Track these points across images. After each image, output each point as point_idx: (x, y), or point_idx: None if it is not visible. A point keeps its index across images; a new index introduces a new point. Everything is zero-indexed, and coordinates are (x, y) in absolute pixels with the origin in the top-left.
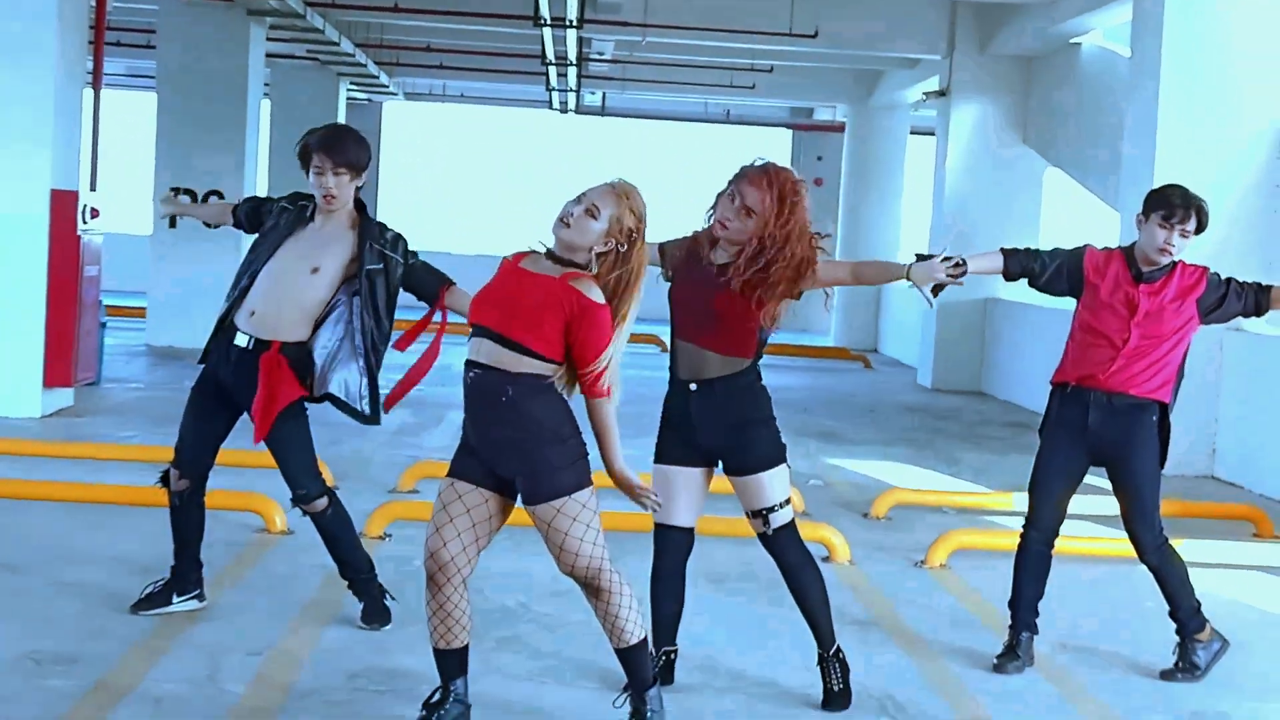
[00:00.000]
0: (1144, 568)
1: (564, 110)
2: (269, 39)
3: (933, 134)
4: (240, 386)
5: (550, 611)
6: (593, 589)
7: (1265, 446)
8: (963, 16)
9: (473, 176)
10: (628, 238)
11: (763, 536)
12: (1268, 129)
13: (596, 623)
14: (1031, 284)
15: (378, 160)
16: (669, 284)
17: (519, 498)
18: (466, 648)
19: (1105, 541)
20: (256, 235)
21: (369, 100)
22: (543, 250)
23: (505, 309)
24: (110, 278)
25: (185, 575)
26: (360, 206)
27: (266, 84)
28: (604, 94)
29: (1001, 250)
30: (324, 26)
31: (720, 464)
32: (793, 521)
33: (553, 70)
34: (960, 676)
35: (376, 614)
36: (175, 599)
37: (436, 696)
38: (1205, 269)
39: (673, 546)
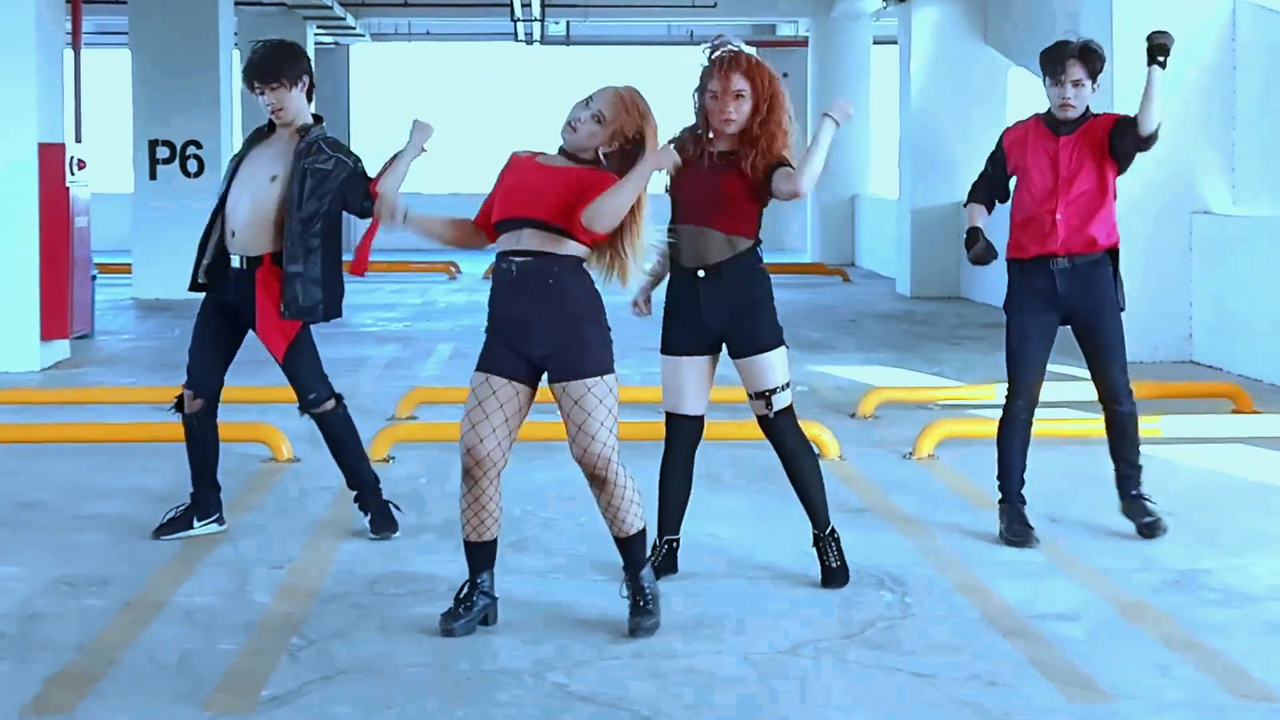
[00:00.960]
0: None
1: (529, 41)
2: None
3: (895, 43)
4: (245, 305)
5: (555, 516)
6: (599, 480)
7: (1240, 327)
8: None
9: (443, 115)
10: (634, 140)
11: (763, 420)
12: (1220, 9)
13: (599, 524)
14: (1002, 200)
15: (347, 103)
16: (669, 180)
17: (547, 378)
18: (495, 541)
19: (1078, 423)
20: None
21: (336, 44)
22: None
23: (536, 198)
24: (95, 236)
25: (205, 499)
26: (317, 120)
27: (235, 32)
28: (568, 22)
29: (975, 204)
30: None
31: (725, 348)
32: (792, 405)
33: (516, 1)
34: (954, 550)
35: (385, 522)
36: (196, 523)
37: (465, 590)
38: (1118, 115)
39: (683, 435)
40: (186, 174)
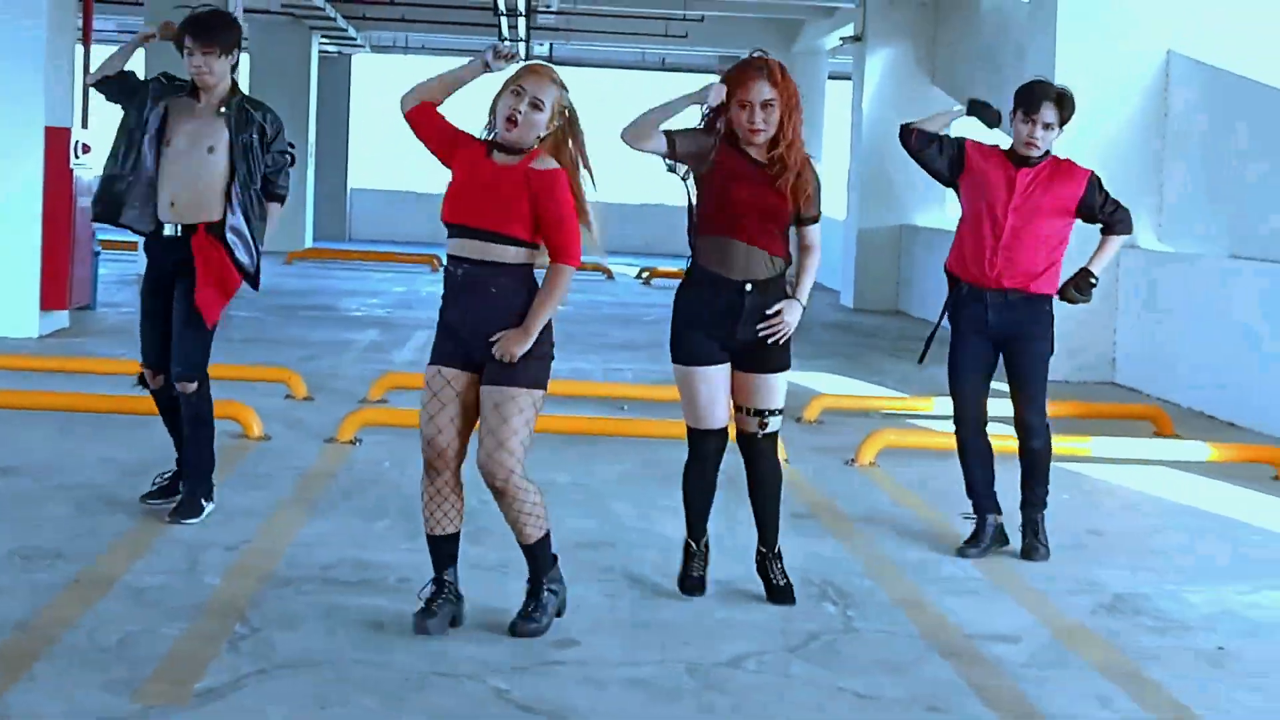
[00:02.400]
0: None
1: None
2: None
3: (849, 78)
4: (182, 272)
5: None
6: (498, 490)
7: (1160, 355)
8: None
9: None
10: (565, 114)
11: (750, 439)
12: (1155, 60)
13: (555, 517)
14: (915, 153)
15: (347, 108)
16: (704, 178)
17: (481, 378)
18: (458, 534)
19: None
20: (129, 110)
21: (339, 53)
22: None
23: (482, 203)
24: None
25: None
26: (234, 88)
27: (246, 38)
28: (551, 45)
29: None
30: None
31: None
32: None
33: (504, 21)
34: (896, 560)
35: (191, 509)
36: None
37: (430, 591)
38: (1089, 172)
39: (711, 450)
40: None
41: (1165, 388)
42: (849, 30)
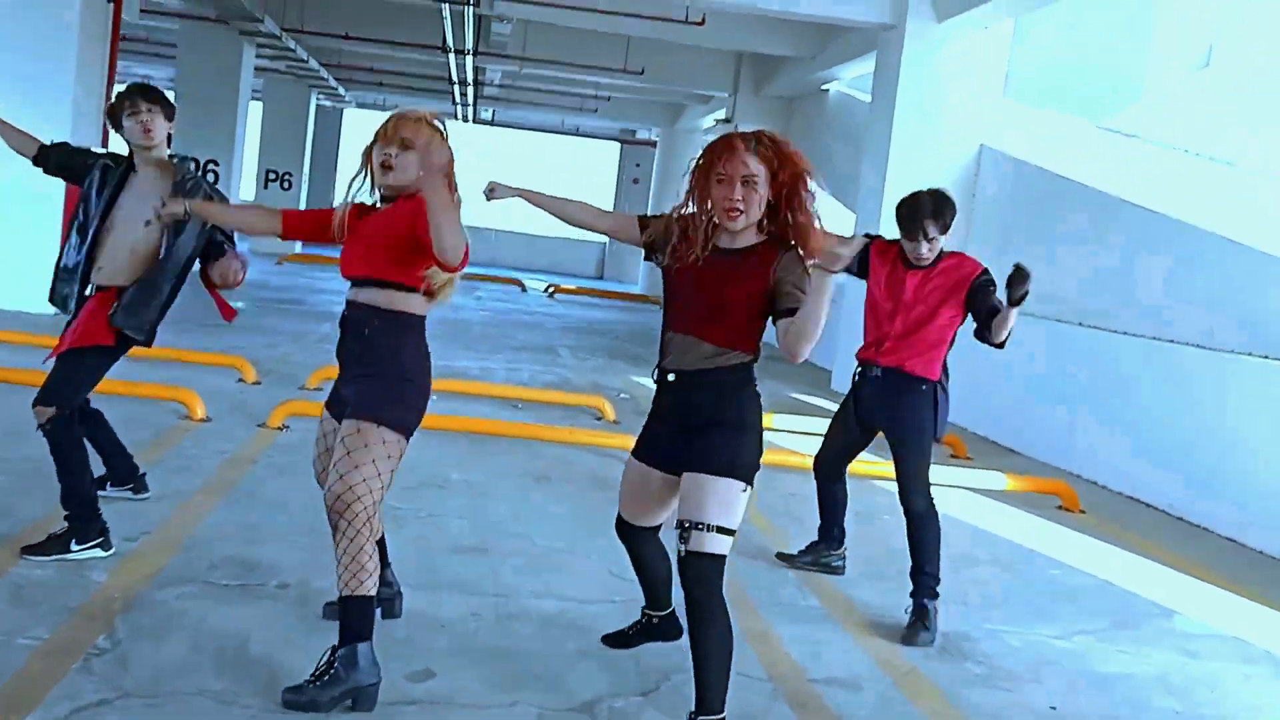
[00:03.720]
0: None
1: (465, 120)
2: (258, 55)
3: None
4: None
5: (434, 508)
6: (339, 524)
7: (957, 392)
8: (746, 65)
9: None
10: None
11: (680, 559)
12: (968, 152)
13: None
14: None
15: (336, 153)
16: (665, 269)
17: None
18: (383, 539)
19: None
20: (82, 187)
21: (332, 106)
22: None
23: (363, 252)
24: None
25: (83, 517)
26: (185, 157)
27: (259, 91)
28: (494, 110)
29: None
30: (296, 48)
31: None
32: (722, 558)
33: (456, 89)
34: (740, 579)
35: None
36: (74, 546)
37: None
38: (980, 270)
39: (626, 538)
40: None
41: (966, 420)
42: (722, 113)
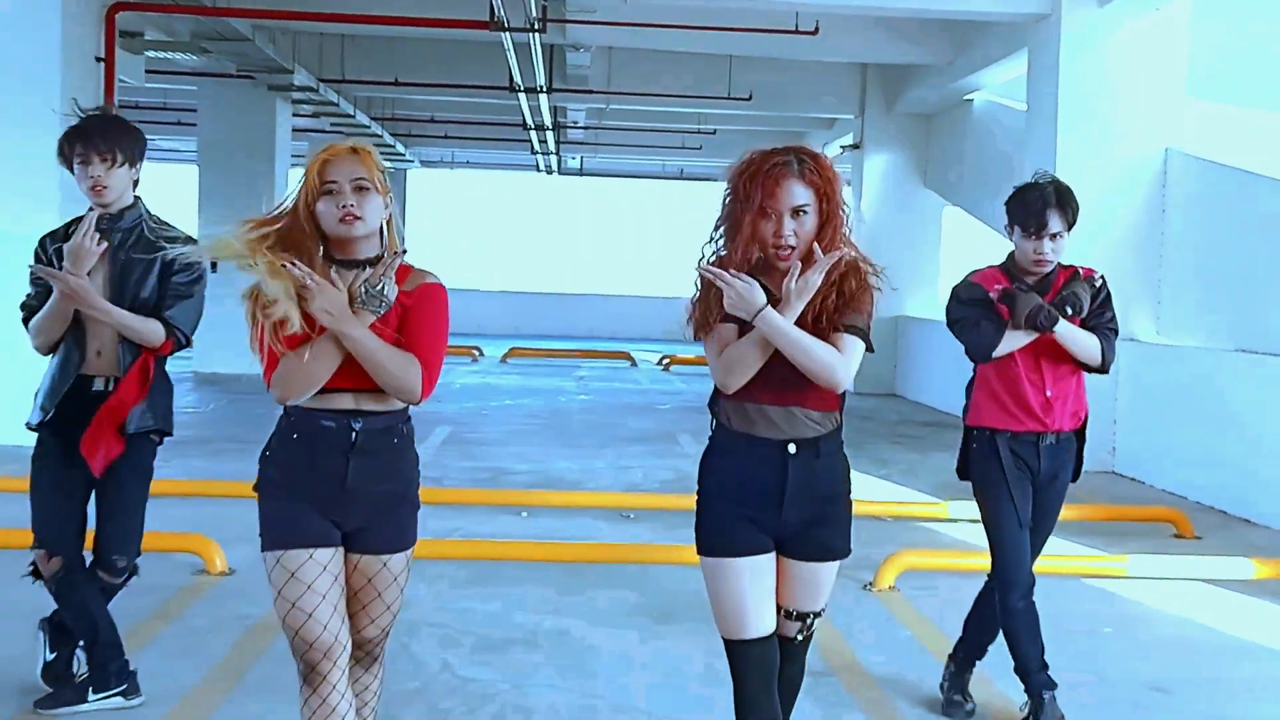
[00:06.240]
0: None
1: (549, 171)
2: (296, 114)
3: (849, 183)
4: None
5: (477, 674)
6: (374, 658)
7: (1158, 445)
8: (872, 79)
9: (485, 229)
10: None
11: (785, 642)
12: (1153, 158)
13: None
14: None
15: (403, 215)
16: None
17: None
18: None
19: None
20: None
21: (394, 169)
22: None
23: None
24: None
25: (104, 666)
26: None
27: (301, 155)
28: (581, 157)
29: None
30: (339, 100)
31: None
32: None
33: (534, 136)
34: None
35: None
36: (91, 696)
37: None
38: (1092, 274)
39: (756, 665)
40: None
41: (1164, 479)
42: (849, 139)
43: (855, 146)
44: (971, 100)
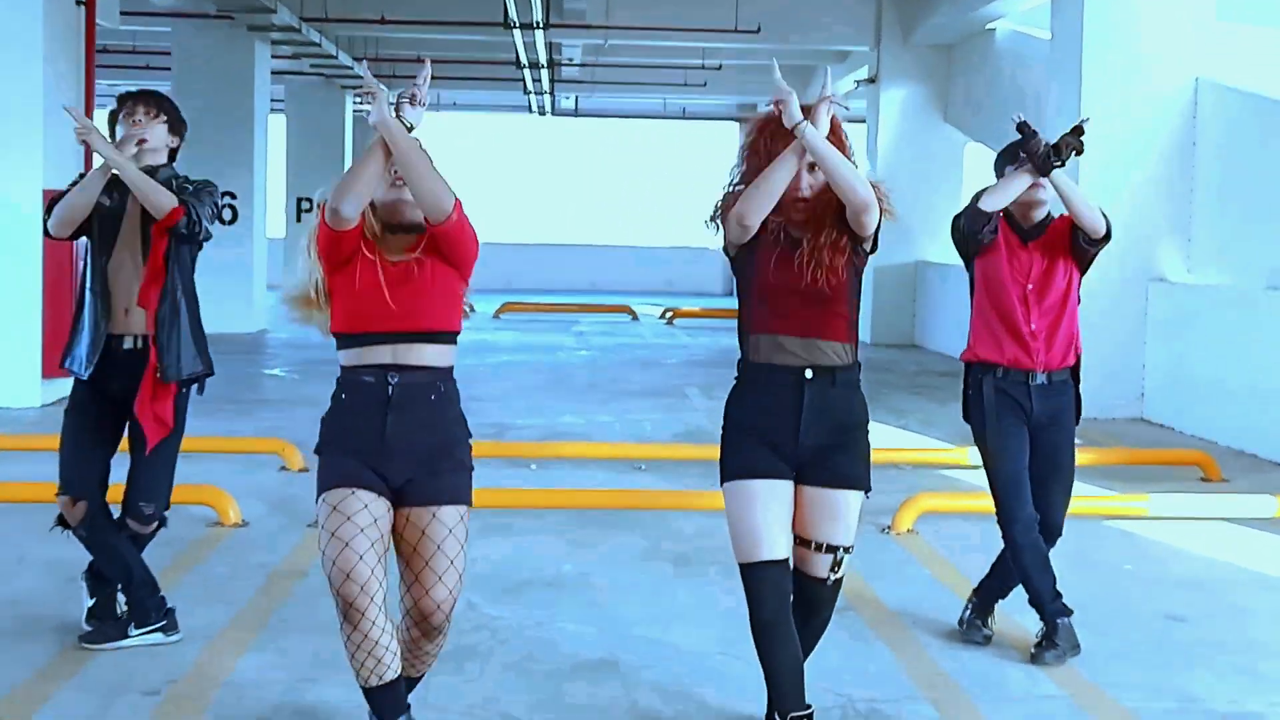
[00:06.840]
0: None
1: (542, 113)
2: (275, 56)
3: (863, 121)
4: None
5: (503, 615)
6: (440, 630)
7: (1190, 389)
8: (888, 8)
9: (474, 176)
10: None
11: (816, 584)
12: (1183, 89)
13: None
14: (974, 235)
15: None
16: (737, 260)
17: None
18: (399, 681)
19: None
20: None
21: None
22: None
23: (402, 302)
24: None
25: (141, 604)
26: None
27: (280, 100)
28: (576, 97)
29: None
30: (321, 41)
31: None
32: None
33: (528, 75)
34: (956, 678)
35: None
36: (132, 631)
37: None
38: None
39: (771, 589)
40: (221, 221)
41: (1194, 424)
42: (863, 73)
43: (871, 80)
44: (994, 29)
